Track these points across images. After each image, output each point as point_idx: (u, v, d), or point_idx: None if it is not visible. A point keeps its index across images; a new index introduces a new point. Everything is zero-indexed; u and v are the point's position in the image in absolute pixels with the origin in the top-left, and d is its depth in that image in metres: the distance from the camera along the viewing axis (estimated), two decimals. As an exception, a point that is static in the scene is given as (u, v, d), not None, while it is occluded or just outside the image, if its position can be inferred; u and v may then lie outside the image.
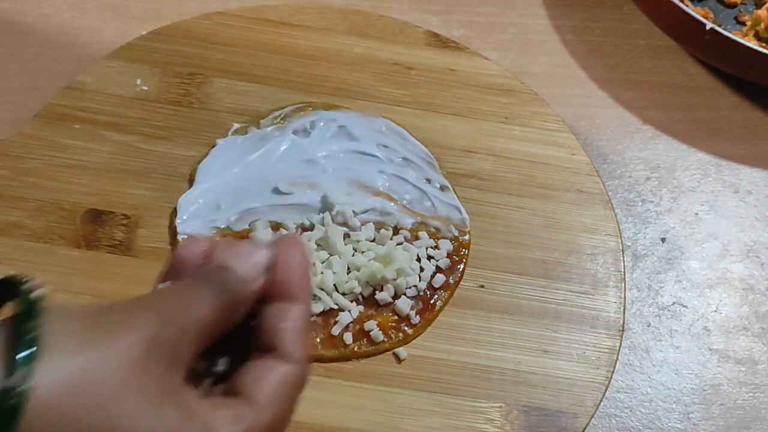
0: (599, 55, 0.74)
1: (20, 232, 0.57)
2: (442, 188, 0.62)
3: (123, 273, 0.57)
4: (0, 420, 0.30)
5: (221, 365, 0.37)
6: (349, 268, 0.57)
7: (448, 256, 0.59)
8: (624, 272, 0.60)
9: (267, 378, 0.36)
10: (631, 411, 0.58)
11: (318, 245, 0.58)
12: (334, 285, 0.56)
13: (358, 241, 0.58)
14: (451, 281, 0.58)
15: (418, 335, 0.56)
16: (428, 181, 0.62)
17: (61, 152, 0.61)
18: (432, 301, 0.58)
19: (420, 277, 0.58)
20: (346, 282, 0.57)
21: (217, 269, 0.37)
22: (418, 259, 0.59)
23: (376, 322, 0.56)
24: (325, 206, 0.59)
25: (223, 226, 0.58)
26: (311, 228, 0.59)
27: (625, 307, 0.59)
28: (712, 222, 0.67)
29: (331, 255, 0.57)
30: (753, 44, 0.67)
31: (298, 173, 0.61)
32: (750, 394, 0.60)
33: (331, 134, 0.63)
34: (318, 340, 0.55)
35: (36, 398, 0.31)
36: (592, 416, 0.55)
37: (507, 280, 0.59)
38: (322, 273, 0.57)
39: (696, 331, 0.62)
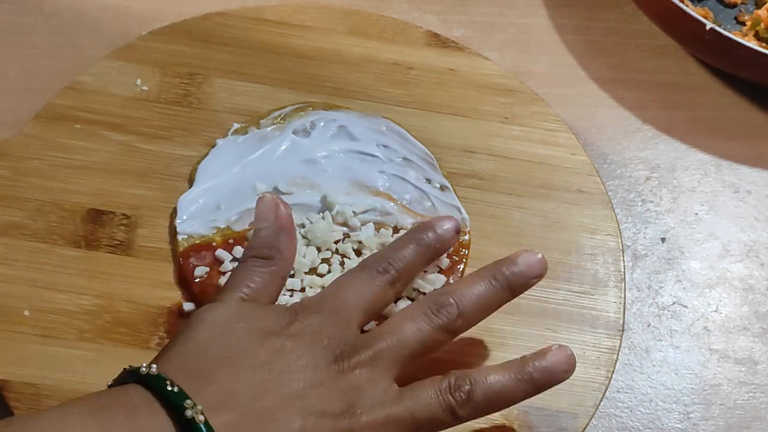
0: (600, 55, 0.74)
1: (20, 232, 0.58)
2: (442, 188, 0.62)
3: (123, 273, 0.57)
4: None
5: None
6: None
7: (448, 256, 0.59)
8: (624, 272, 0.60)
9: None
10: (631, 411, 0.58)
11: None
12: None
13: (359, 242, 0.58)
14: (451, 281, 0.58)
15: (418, 335, 0.56)
16: (428, 181, 0.62)
17: (62, 152, 0.61)
18: (432, 301, 0.58)
19: (420, 277, 0.58)
20: None
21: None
22: (418, 259, 0.59)
23: (376, 323, 0.56)
24: (325, 206, 0.60)
25: (223, 226, 0.58)
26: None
27: (625, 307, 0.59)
28: (712, 222, 0.67)
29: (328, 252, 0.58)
30: (753, 44, 0.67)
31: (298, 173, 0.61)
32: (750, 394, 0.60)
33: (331, 134, 0.63)
34: (318, 340, 0.55)
35: None
36: (592, 416, 0.55)
37: (507, 280, 0.59)
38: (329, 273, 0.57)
39: (696, 331, 0.62)
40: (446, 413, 0.46)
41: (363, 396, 0.45)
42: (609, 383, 0.56)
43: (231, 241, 0.58)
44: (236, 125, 0.63)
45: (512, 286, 0.51)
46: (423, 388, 0.47)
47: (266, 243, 0.51)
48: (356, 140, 0.63)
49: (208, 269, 0.56)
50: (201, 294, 0.56)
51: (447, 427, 0.47)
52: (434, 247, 0.53)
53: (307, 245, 0.58)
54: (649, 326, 0.62)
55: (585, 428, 0.54)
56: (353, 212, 0.59)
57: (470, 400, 0.47)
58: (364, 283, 0.50)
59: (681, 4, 0.68)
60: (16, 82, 0.68)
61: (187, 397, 0.41)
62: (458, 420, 0.47)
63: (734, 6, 0.77)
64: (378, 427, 0.45)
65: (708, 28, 0.67)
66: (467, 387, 0.47)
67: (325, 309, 0.48)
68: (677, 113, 0.72)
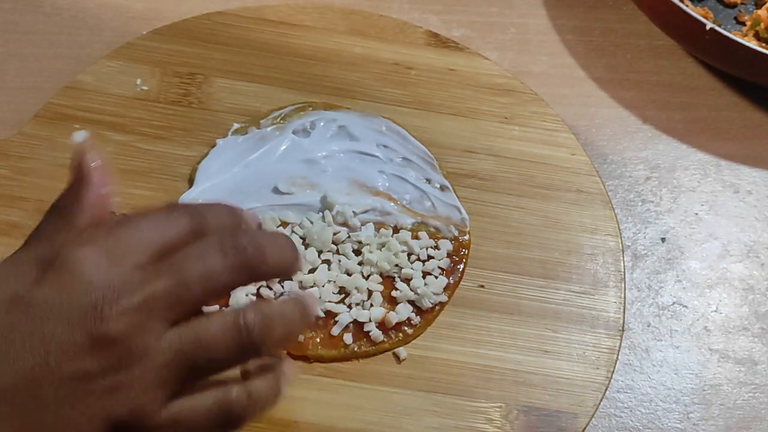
0: (599, 54, 0.74)
1: (20, 232, 0.57)
2: (442, 188, 0.62)
3: (123, 273, 0.57)
4: None
5: None
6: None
7: (448, 256, 0.59)
8: (624, 272, 0.60)
9: None
10: (631, 411, 0.58)
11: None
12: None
13: (359, 242, 0.58)
14: (451, 281, 0.58)
15: (418, 335, 0.56)
16: (428, 181, 0.62)
17: (62, 152, 0.61)
18: (432, 301, 0.58)
19: (420, 277, 0.58)
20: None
21: None
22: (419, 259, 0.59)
23: (376, 323, 0.56)
24: (325, 206, 0.60)
25: (223, 226, 0.58)
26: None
27: (625, 307, 0.59)
28: (712, 222, 0.67)
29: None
30: (753, 44, 0.67)
31: (298, 173, 0.61)
32: (750, 394, 0.60)
33: (331, 134, 0.63)
34: (318, 340, 0.55)
35: None
36: (592, 416, 0.55)
37: (507, 280, 0.59)
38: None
39: (696, 331, 0.62)
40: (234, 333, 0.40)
41: (129, 347, 0.39)
42: (609, 383, 0.56)
43: (231, 241, 0.58)
44: (236, 125, 0.63)
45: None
46: (211, 320, 0.41)
47: (67, 196, 0.43)
48: (356, 140, 0.63)
49: (208, 269, 0.56)
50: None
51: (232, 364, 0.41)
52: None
53: (307, 248, 0.58)
54: (649, 326, 0.62)
55: (585, 428, 0.54)
56: (353, 212, 0.59)
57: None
58: (161, 222, 0.42)
59: (681, 4, 0.68)
60: (15, 82, 0.68)
61: None
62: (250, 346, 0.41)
63: (734, 6, 0.77)
64: (153, 377, 0.39)
65: (708, 28, 0.67)
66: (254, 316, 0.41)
67: (93, 245, 0.40)
68: (677, 113, 0.72)
